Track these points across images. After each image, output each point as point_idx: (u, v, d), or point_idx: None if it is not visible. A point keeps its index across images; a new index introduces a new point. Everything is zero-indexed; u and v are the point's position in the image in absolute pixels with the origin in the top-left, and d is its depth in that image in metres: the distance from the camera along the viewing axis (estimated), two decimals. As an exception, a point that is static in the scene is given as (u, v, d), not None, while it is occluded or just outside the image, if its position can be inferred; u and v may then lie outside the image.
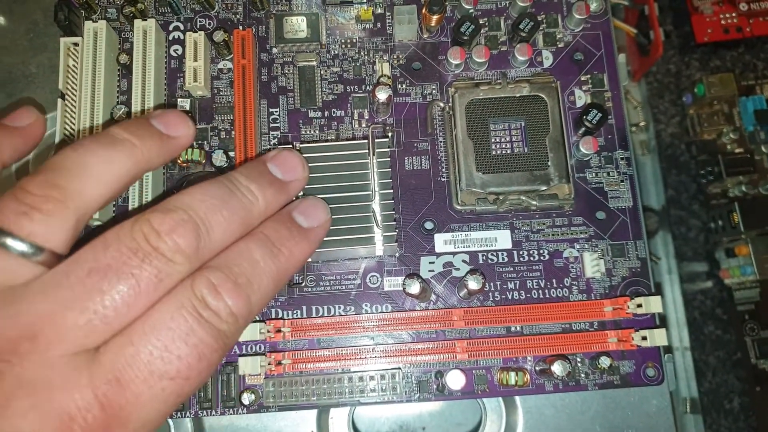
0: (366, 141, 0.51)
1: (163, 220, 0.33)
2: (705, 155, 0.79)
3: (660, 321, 0.52)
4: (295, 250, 0.39)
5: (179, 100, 0.55)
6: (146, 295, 0.32)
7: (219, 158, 0.52)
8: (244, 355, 0.50)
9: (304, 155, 0.50)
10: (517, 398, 0.54)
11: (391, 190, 0.49)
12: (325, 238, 0.48)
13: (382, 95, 0.51)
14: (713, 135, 0.78)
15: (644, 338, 0.49)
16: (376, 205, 0.50)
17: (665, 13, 0.82)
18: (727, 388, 0.76)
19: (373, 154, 0.51)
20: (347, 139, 0.55)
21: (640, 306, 0.50)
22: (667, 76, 0.83)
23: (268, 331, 0.49)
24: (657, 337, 0.49)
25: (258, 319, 0.51)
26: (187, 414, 0.50)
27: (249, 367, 0.48)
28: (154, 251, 0.32)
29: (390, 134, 0.54)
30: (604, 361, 0.50)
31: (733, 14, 0.77)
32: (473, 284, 0.48)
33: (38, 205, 0.32)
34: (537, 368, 0.51)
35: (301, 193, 0.49)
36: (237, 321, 0.34)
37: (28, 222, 0.32)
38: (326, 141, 0.55)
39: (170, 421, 0.53)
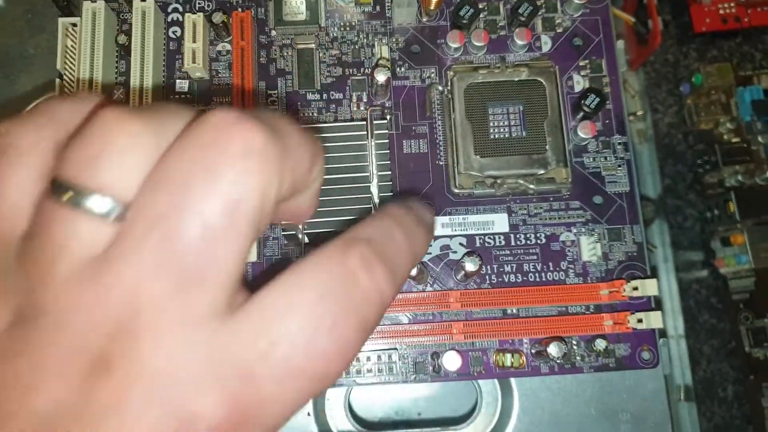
0: (364, 123, 0.51)
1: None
2: (702, 145, 0.79)
3: (655, 304, 0.52)
4: (424, 239, 0.33)
5: (178, 81, 0.55)
6: None
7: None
8: (241, 335, 0.50)
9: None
10: (513, 381, 0.54)
11: (390, 172, 0.49)
12: (324, 219, 0.49)
13: (380, 77, 0.51)
14: (710, 125, 0.78)
15: (640, 321, 0.50)
16: (374, 188, 0.50)
17: (663, 2, 0.82)
18: (721, 376, 0.76)
19: (372, 137, 0.51)
20: (345, 122, 0.55)
21: (636, 289, 0.50)
22: (665, 66, 0.83)
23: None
24: (653, 320, 0.49)
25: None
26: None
27: (246, 346, 0.48)
28: None
29: (388, 117, 0.55)
30: (600, 344, 0.50)
31: (732, 4, 0.77)
32: (470, 266, 0.48)
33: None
34: (533, 350, 0.51)
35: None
36: (382, 304, 0.28)
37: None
38: (324, 123, 0.55)
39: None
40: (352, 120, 0.55)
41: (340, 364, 0.26)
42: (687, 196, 0.80)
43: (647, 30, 0.73)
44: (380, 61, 0.54)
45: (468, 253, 0.50)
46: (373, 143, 0.51)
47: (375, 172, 0.50)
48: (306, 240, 0.51)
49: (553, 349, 0.48)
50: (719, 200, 0.75)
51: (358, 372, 0.50)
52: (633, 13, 0.75)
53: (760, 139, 0.76)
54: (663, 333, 0.53)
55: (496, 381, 0.55)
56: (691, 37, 0.82)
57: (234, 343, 0.24)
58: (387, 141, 0.51)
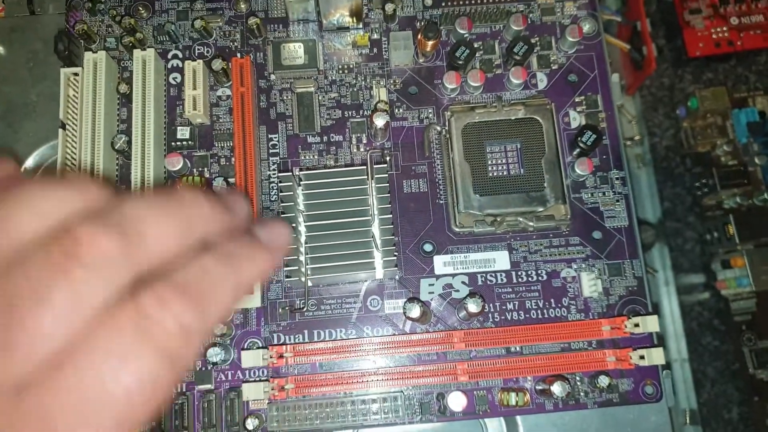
0: (365, 166, 0.52)
1: None
2: (699, 167, 0.79)
3: (657, 340, 0.53)
4: (255, 265, 0.35)
5: (179, 128, 0.56)
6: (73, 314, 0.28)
7: (219, 186, 0.53)
8: (247, 381, 0.50)
9: (305, 182, 0.51)
10: (518, 418, 0.55)
11: (391, 215, 0.50)
12: (326, 264, 0.49)
13: (379, 121, 0.52)
14: (707, 147, 0.79)
15: (642, 357, 0.50)
16: (375, 229, 0.51)
17: (657, 27, 0.83)
18: (725, 398, 0.76)
19: (372, 179, 0.51)
20: (346, 165, 0.55)
21: (637, 326, 0.50)
22: (660, 90, 0.84)
23: (271, 357, 0.50)
24: (654, 356, 0.50)
25: (261, 345, 0.52)
26: (192, 440, 0.50)
27: (253, 392, 0.49)
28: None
29: (388, 158, 0.55)
30: (603, 380, 0.50)
31: (724, 28, 0.78)
32: (473, 307, 0.49)
33: None
34: (537, 388, 0.51)
35: (303, 218, 0.50)
36: (189, 337, 0.29)
37: None
38: (325, 167, 0.55)
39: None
40: (352, 162, 0.56)
41: (144, 395, 0.27)
42: (686, 219, 0.81)
43: (642, 56, 0.74)
44: (378, 105, 0.55)
45: (470, 294, 0.51)
46: (373, 185, 0.51)
47: (376, 213, 0.51)
48: (310, 284, 0.52)
49: (557, 388, 0.48)
50: (718, 222, 0.75)
51: (365, 415, 0.50)
52: (627, 40, 0.75)
53: (756, 160, 0.76)
54: (666, 365, 0.53)
55: (501, 419, 0.55)
56: (686, 61, 0.83)
57: (29, 392, 0.26)
58: (387, 185, 0.51)
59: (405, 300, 0.51)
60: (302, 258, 0.51)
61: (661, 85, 0.84)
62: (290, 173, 0.52)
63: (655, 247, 0.80)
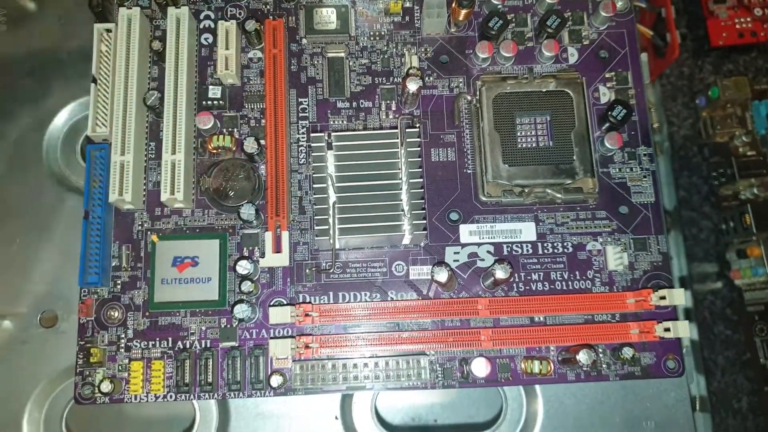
0: (396, 130, 0.52)
1: None
2: (717, 157, 0.80)
3: (682, 314, 0.53)
4: None
5: (210, 87, 0.56)
6: None
7: (251, 145, 0.53)
8: (274, 338, 0.50)
9: (336, 143, 0.51)
10: (538, 388, 0.55)
11: (421, 179, 0.50)
12: (355, 225, 0.49)
13: (412, 86, 0.52)
14: (726, 138, 0.79)
15: (667, 330, 0.50)
16: (404, 195, 0.51)
17: (680, 16, 0.83)
18: (735, 387, 0.76)
19: (403, 144, 0.51)
20: (377, 130, 0.55)
21: (663, 298, 0.51)
22: (680, 79, 0.84)
23: (297, 315, 0.50)
24: (680, 329, 0.50)
25: (287, 302, 0.52)
26: (215, 395, 0.50)
27: (279, 348, 0.49)
28: None
29: (418, 126, 0.55)
30: (627, 352, 0.50)
31: (748, 19, 0.78)
32: (501, 273, 0.49)
33: None
34: (560, 358, 0.52)
35: (334, 181, 0.50)
36: None
37: None
38: (356, 130, 0.55)
39: (195, 402, 0.54)
40: (381, 128, 0.56)
41: None
42: (702, 208, 0.81)
43: (665, 43, 0.74)
44: (411, 70, 0.55)
45: (498, 260, 0.51)
46: (404, 150, 0.51)
47: (406, 179, 0.51)
48: (337, 246, 0.52)
49: (583, 356, 0.48)
50: (735, 212, 0.75)
51: (387, 377, 0.50)
52: (651, 27, 0.75)
53: (775, 152, 0.76)
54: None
55: (521, 388, 0.55)
56: (707, 51, 0.83)
57: None
58: (418, 149, 0.51)
59: (432, 264, 0.51)
60: (331, 220, 0.51)
61: (680, 75, 0.84)
62: (322, 134, 0.52)
63: (670, 235, 0.80)
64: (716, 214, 0.80)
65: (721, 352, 0.78)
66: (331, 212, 0.51)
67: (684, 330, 0.50)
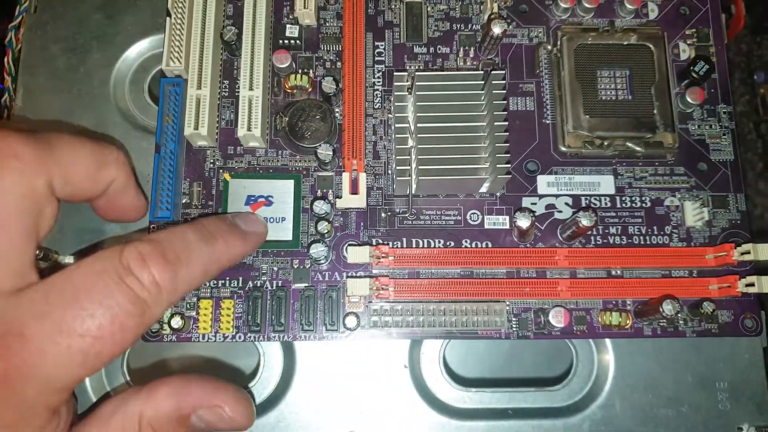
0: (481, 72, 0.51)
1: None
2: (774, 134, 0.79)
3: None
4: (230, 243, 0.42)
5: (288, 26, 0.55)
6: None
7: (329, 84, 0.52)
8: (352, 277, 0.49)
9: (417, 83, 0.50)
10: (609, 344, 0.54)
11: (506, 122, 0.49)
12: (435, 166, 0.48)
13: (497, 29, 0.51)
14: (784, 114, 0.78)
15: (750, 285, 0.49)
16: (487, 139, 0.50)
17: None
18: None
19: (488, 86, 0.50)
20: (461, 70, 0.54)
21: (746, 253, 0.49)
22: (738, 55, 0.83)
23: (376, 256, 0.49)
24: (765, 284, 0.49)
25: (364, 242, 0.51)
26: (287, 336, 0.49)
27: (358, 287, 0.48)
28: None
29: (504, 69, 0.54)
30: (708, 306, 0.49)
31: (812, -6, 0.77)
32: (585, 221, 0.48)
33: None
34: (638, 308, 0.51)
35: (412, 133, 0.49)
36: (160, 292, 0.36)
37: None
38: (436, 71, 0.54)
39: (258, 345, 0.53)
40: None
41: (112, 335, 0.33)
42: (757, 186, 0.80)
43: (730, 15, 0.73)
44: (492, 16, 0.54)
45: (583, 208, 0.50)
46: (488, 93, 0.50)
47: (490, 121, 0.50)
48: (414, 189, 0.51)
49: (667, 307, 0.47)
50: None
51: (464, 324, 0.49)
52: None
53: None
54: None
55: (592, 343, 0.54)
56: (765, 28, 0.82)
57: (13, 310, 0.33)
58: (504, 91, 0.50)
59: (514, 210, 0.50)
60: (411, 165, 0.50)
61: (739, 51, 0.83)
62: (405, 72, 0.51)
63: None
64: (771, 192, 0.79)
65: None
66: (412, 155, 0.50)
67: (769, 285, 0.49)
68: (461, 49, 0.55)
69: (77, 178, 0.39)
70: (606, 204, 0.53)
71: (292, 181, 0.52)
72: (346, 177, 0.51)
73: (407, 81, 0.51)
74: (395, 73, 0.51)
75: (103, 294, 0.33)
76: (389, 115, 0.54)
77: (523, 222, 0.49)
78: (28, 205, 0.35)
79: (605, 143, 0.53)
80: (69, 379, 0.34)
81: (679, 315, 0.48)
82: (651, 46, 0.55)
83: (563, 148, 0.53)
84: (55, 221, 0.38)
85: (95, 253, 0.35)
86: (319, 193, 0.52)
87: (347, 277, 0.50)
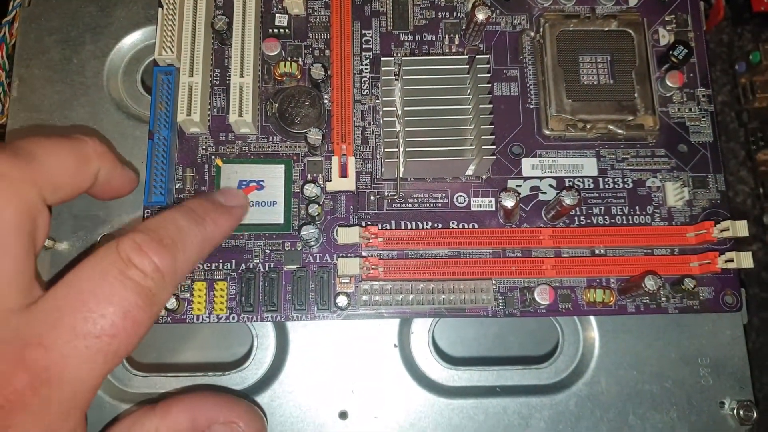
0: (466, 57, 0.52)
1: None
2: (756, 122, 0.80)
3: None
4: (219, 221, 0.43)
5: (277, 15, 0.56)
6: None
7: (317, 71, 0.53)
8: (343, 257, 0.51)
9: (404, 68, 0.51)
10: (593, 321, 0.55)
11: (491, 105, 0.50)
12: (422, 148, 0.50)
13: (480, 15, 0.53)
14: (765, 103, 0.79)
15: (729, 261, 0.51)
16: (473, 123, 0.51)
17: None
18: (770, 349, 0.77)
19: (474, 71, 0.52)
20: (447, 55, 0.56)
21: (726, 230, 0.51)
22: (719, 46, 0.85)
23: (366, 237, 0.50)
24: (743, 260, 0.50)
25: (354, 223, 0.52)
26: (280, 317, 0.51)
27: (348, 267, 0.49)
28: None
29: (488, 54, 0.56)
30: (689, 282, 0.51)
31: (791, -16, 0.79)
32: (569, 200, 0.49)
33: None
34: (621, 285, 0.52)
35: (400, 117, 0.50)
36: (163, 277, 0.37)
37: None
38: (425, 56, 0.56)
39: (250, 325, 0.54)
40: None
41: (127, 330, 0.35)
42: (739, 173, 0.82)
43: (710, 4, 0.74)
44: (476, 3, 0.55)
45: (566, 188, 0.51)
46: (473, 77, 0.52)
47: (475, 104, 0.51)
48: (402, 172, 0.52)
49: (649, 282, 0.49)
50: (773, 177, 0.76)
51: (452, 303, 0.50)
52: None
53: (816, 117, 0.77)
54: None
55: (577, 321, 0.55)
56: (747, 18, 0.84)
57: (26, 325, 0.34)
58: (488, 74, 0.51)
59: (499, 190, 0.51)
60: (398, 148, 0.51)
61: (719, 42, 0.85)
62: (392, 58, 0.52)
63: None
64: (753, 179, 0.80)
65: (757, 313, 0.78)
66: (400, 139, 0.51)
67: (747, 260, 0.51)
68: (447, 36, 0.57)
69: (65, 181, 0.40)
70: (589, 185, 0.55)
71: (282, 166, 0.53)
72: (335, 161, 0.53)
73: (394, 66, 0.53)
74: (382, 59, 0.53)
75: (109, 292, 0.34)
76: (377, 101, 0.55)
77: (508, 201, 0.50)
78: (23, 221, 0.36)
79: (588, 126, 0.54)
80: (95, 378, 0.35)
81: (661, 291, 0.50)
82: (631, 31, 0.56)
83: (547, 132, 0.55)
84: (49, 228, 0.39)
85: (93, 254, 0.36)
86: (309, 178, 0.53)
87: (338, 257, 0.51)
